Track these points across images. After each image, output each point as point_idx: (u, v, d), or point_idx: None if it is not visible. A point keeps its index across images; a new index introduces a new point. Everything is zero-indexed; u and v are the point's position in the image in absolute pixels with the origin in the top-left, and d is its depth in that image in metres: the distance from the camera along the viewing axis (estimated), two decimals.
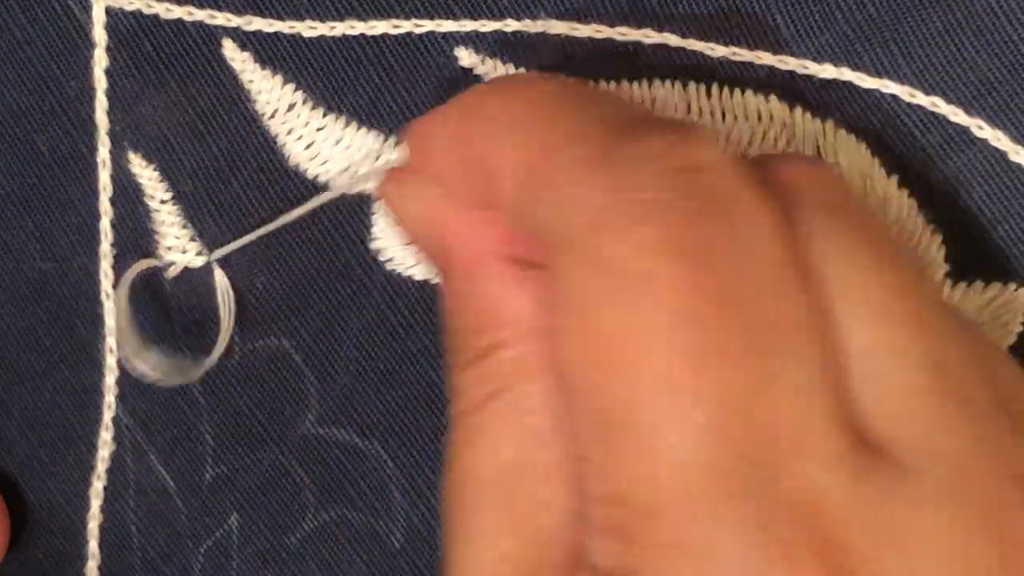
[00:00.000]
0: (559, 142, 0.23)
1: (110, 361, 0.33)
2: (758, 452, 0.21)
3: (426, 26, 0.30)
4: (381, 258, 0.32)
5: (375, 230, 0.32)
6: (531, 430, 0.24)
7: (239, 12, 0.30)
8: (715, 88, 0.30)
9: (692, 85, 0.30)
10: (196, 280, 0.32)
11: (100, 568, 0.34)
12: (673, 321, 0.21)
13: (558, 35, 0.30)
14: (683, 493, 0.21)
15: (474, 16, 0.30)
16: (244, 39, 0.31)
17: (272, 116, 0.31)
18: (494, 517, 0.24)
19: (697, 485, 0.21)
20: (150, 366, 0.31)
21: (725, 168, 0.23)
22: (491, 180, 0.24)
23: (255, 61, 0.31)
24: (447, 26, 0.30)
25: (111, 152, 0.31)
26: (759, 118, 0.30)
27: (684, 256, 0.21)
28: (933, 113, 0.29)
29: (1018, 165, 0.29)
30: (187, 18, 0.30)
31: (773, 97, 0.30)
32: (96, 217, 0.32)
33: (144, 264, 0.32)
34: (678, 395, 0.21)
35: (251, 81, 0.31)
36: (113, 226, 0.32)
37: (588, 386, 0.22)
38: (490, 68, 0.30)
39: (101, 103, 0.31)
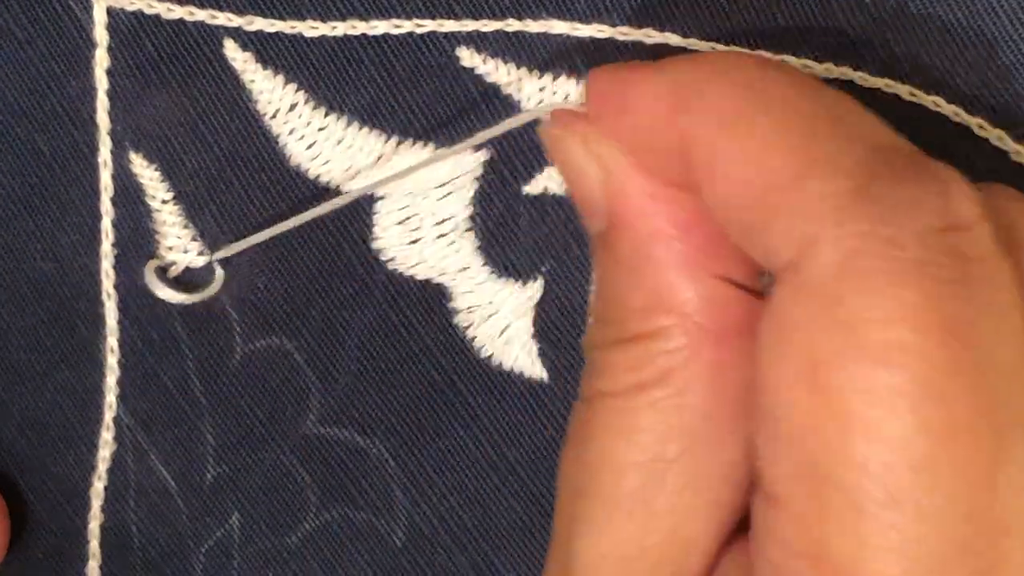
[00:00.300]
0: (811, 163, 0.21)
1: (111, 361, 0.33)
2: (984, 539, 0.20)
3: (428, 26, 0.30)
4: (383, 258, 0.32)
5: (377, 230, 0.32)
6: (685, 431, 0.23)
7: (240, 12, 0.30)
8: None
9: None
10: (197, 280, 0.32)
11: (101, 568, 0.34)
12: (921, 396, 0.20)
13: (560, 35, 0.30)
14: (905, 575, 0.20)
15: (476, 16, 0.30)
16: (245, 39, 0.31)
17: (273, 116, 0.31)
18: (632, 512, 0.24)
19: (922, 569, 0.20)
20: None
21: (983, 229, 0.21)
22: (694, 167, 0.23)
23: (256, 61, 0.31)
24: (448, 26, 0.30)
25: (112, 152, 0.31)
26: None
27: (941, 330, 0.20)
28: (934, 113, 0.29)
29: (1020, 165, 0.29)
30: (188, 18, 0.30)
31: None
32: (97, 217, 0.32)
33: (157, 263, 0.32)
34: (915, 473, 0.20)
35: (252, 81, 0.31)
36: (114, 226, 0.32)
37: (805, 436, 0.21)
38: (491, 68, 0.30)
39: (102, 103, 0.31)
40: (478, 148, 0.31)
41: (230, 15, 0.30)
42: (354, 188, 0.31)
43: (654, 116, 0.24)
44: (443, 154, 0.30)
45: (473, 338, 0.32)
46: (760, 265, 0.24)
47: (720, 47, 0.29)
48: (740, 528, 0.25)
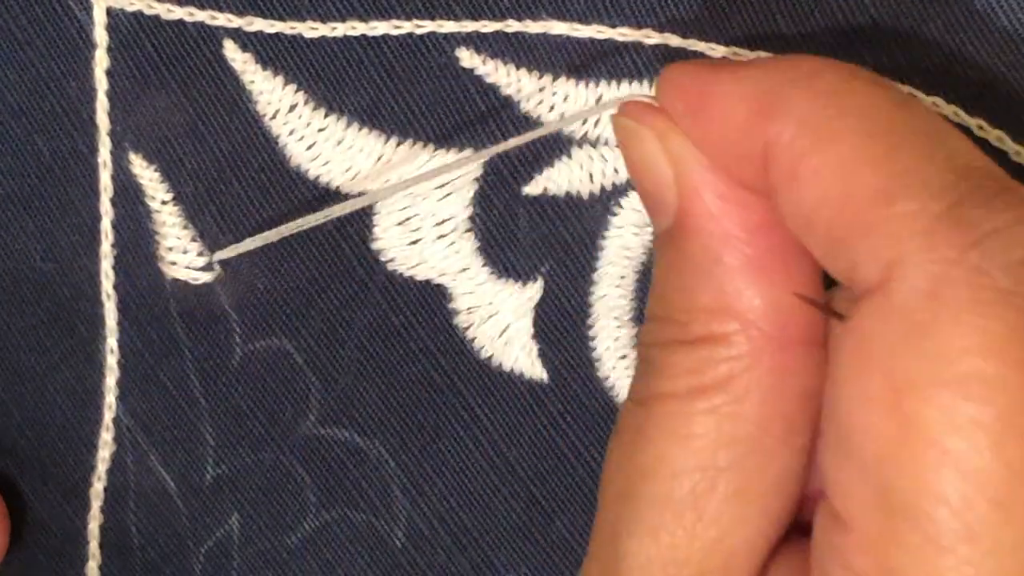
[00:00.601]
0: (899, 180, 0.21)
1: (110, 362, 0.33)
2: None
3: (427, 27, 0.30)
4: (383, 258, 0.32)
5: (377, 230, 0.32)
6: (739, 439, 0.23)
7: (240, 13, 0.30)
8: None
9: None
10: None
11: (100, 569, 0.34)
12: (1001, 431, 0.20)
13: (559, 36, 0.30)
14: None
15: (475, 17, 0.30)
16: (245, 40, 0.31)
17: (273, 117, 0.31)
18: (681, 517, 0.23)
19: None
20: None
21: None
22: (775, 173, 0.23)
23: (256, 62, 0.31)
24: (448, 27, 0.30)
25: (112, 153, 0.31)
26: None
27: None
28: None
29: (1020, 166, 0.29)
30: (188, 19, 0.30)
31: None
32: (97, 218, 0.32)
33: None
34: (994, 508, 0.20)
35: (252, 82, 0.31)
36: (114, 227, 0.32)
37: (883, 462, 0.21)
38: (491, 69, 0.30)
39: (102, 104, 0.31)
40: (477, 149, 0.31)
41: (230, 16, 0.30)
42: (363, 192, 0.31)
43: (737, 117, 0.23)
44: (480, 155, 0.30)
45: (473, 339, 0.32)
46: (825, 274, 0.23)
47: (720, 47, 0.29)
48: (786, 537, 0.25)
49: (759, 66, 0.24)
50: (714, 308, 0.24)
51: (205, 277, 0.32)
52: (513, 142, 0.28)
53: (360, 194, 0.31)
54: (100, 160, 0.32)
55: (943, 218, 0.21)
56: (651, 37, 0.30)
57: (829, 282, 0.24)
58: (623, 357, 0.32)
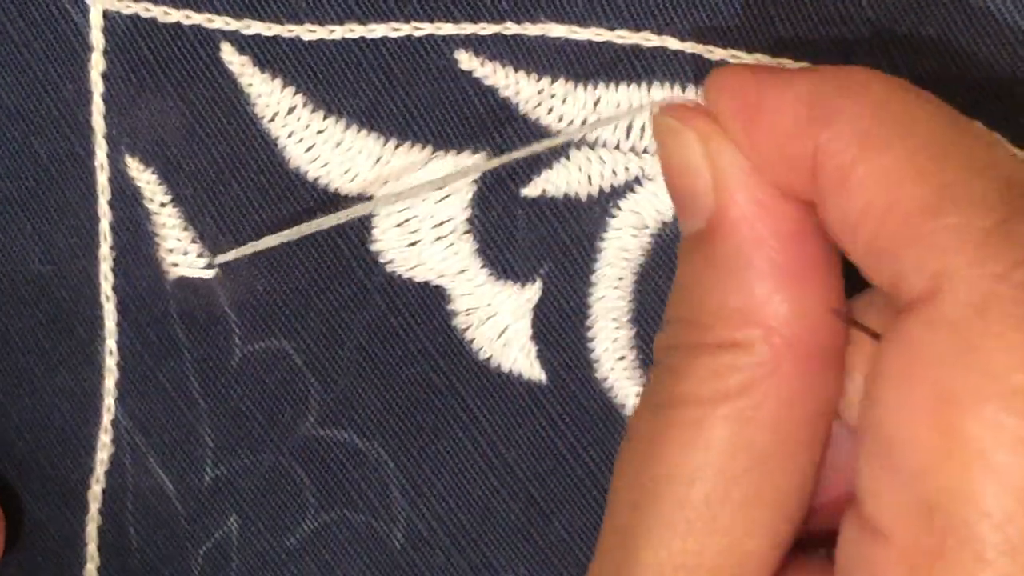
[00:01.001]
0: (948, 193, 0.21)
1: (109, 363, 0.33)
2: None
3: (425, 29, 0.30)
4: (381, 260, 0.32)
5: (375, 232, 0.32)
6: (755, 446, 0.23)
7: (237, 16, 0.30)
8: None
9: (691, 88, 0.30)
10: (197, 283, 0.32)
11: (99, 571, 0.34)
12: None
13: (557, 38, 0.30)
14: None
15: (474, 19, 0.30)
16: (242, 43, 0.31)
17: (272, 119, 0.31)
18: (694, 523, 0.23)
19: None
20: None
21: None
22: (823, 181, 0.23)
23: (254, 64, 0.31)
24: (446, 29, 0.30)
25: (108, 156, 0.31)
26: None
27: None
28: None
29: None
30: (185, 22, 0.30)
31: None
32: (95, 220, 0.32)
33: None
34: None
35: (250, 84, 0.31)
36: (112, 229, 0.32)
37: (926, 473, 0.21)
38: (490, 71, 0.30)
39: (98, 107, 0.31)
40: (476, 151, 0.31)
41: (227, 19, 0.30)
42: (363, 194, 0.31)
43: (787, 123, 0.23)
44: (501, 160, 0.30)
45: (472, 340, 0.32)
46: (844, 288, 0.24)
47: (718, 50, 0.29)
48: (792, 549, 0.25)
49: (810, 74, 0.24)
50: (742, 313, 0.24)
51: (208, 275, 0.32)
52: (540, 146, 0.28)
53: (360, 197, 0.31)
54: (97, 163, 0.31)
55: (992, 233, 0.21)
56: (649, 40, 0.30)
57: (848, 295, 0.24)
58: (621, 358, 0.32)
